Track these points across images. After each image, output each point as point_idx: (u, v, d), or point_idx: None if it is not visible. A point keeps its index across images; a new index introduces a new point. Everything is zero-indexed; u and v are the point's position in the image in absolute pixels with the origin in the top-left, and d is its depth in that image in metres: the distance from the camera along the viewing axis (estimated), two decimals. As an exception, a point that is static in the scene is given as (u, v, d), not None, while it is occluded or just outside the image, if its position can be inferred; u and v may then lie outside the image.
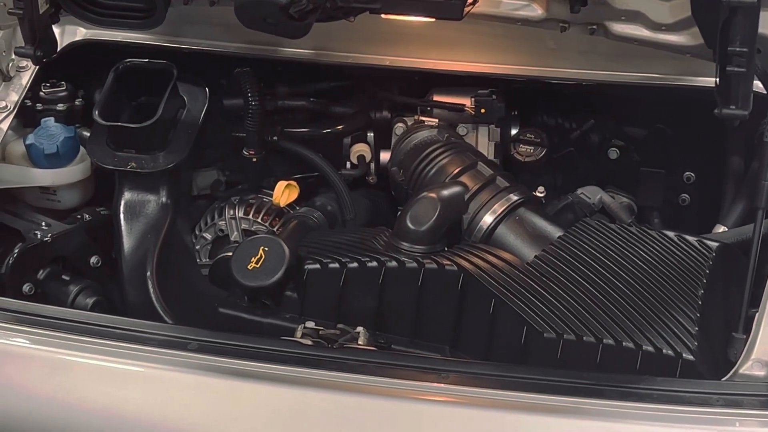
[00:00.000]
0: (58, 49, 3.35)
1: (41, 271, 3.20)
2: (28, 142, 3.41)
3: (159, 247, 3.26)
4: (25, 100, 3.50)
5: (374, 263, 2.94)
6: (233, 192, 3.81)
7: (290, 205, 3.60)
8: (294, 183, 3.56)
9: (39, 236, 3.20)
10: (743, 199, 3.28)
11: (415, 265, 2.93)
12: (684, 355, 2.61)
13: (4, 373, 2.58)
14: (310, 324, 2.81)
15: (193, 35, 3.60)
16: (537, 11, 3.15)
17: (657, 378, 2.49)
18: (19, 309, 2.75)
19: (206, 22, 3.56)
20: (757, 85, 2.76)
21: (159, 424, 2.48)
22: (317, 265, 2.96)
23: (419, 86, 3.70)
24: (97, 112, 3.28)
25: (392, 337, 2.91)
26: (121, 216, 3.32)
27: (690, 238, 3.05)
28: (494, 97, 3.58)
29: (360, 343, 2.76)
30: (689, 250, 3.01)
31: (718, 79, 2.66)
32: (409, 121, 3.67)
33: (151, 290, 3.18)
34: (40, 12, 3.05)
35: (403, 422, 2.43)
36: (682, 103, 3.44)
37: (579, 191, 3.54)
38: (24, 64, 3.52)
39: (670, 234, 3.07)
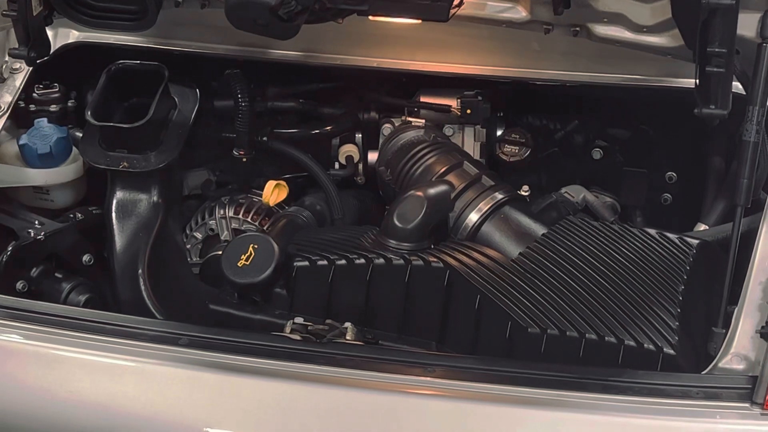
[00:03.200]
0: (52, 51, 3.39)
1: (34, 269, 3.20)
2: (21, 142, 3.43)
3: (150, 245, 3.25)
4: (19, 101, 3.52)
5: (362, 260, 2.98)
6: (223, 192, 3.83)
7: (279, 205, 3.62)
8: (283, 183, 3.58)
9: (32, 234, 3.20)
10: (724, 198, 3.31)
11: (402, 262, 2.96)
12: (665, 349, 2.65)
13: (-1, 368, 2.61)
14: (299, 320, 2.83)
15: (184, 37, 3.63)
16: (521, 13, 3.18)
17: (638, 371, 2.54)
18: (12, 305, 2.77)
19: (197, 24, 3.58)
20: (737, 86, 2.79)
21: (150, 417, 2.50)
22: (306, 262, 3.00)
23: (406, 87, 3.73)
24: (89, 113, 3.28)
25: (380, 332, 2.95)
26: (113, 215, 3.31)
27: (671, 236, 3.09)
28: (480, 98, 3.61)
29: (348, 338, 2.78)
30: (670, 248, 3.05)
31: (698, 80, 2.70)
32: (397, 122, 3.70)
33: (143, 288, 3.18)
34: (34, 14, 3.07)
35: (391, 415, 2.46)
36: (663, 103, 3.48)
37: (563, 190, 3.58)
38: (17, 66, 3.53)
39: (652, 231, 3.11)
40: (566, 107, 3.75)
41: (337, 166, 3.80)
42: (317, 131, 3.78)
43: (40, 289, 3.21)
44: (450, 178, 3.27)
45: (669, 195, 3.74)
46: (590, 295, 2.82)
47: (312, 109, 3.83)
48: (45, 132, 3.46)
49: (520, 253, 3.01)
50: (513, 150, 3.72)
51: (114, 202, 3.34)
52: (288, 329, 2.79)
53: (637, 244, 3.05)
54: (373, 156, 3.74)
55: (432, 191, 3.16)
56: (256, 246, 2.97)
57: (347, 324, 2.83)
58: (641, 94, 3.47)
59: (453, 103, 3.64)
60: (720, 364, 2.50)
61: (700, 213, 3.40)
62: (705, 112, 2.67)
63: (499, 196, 3.20)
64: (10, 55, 3.27)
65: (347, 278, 2.98)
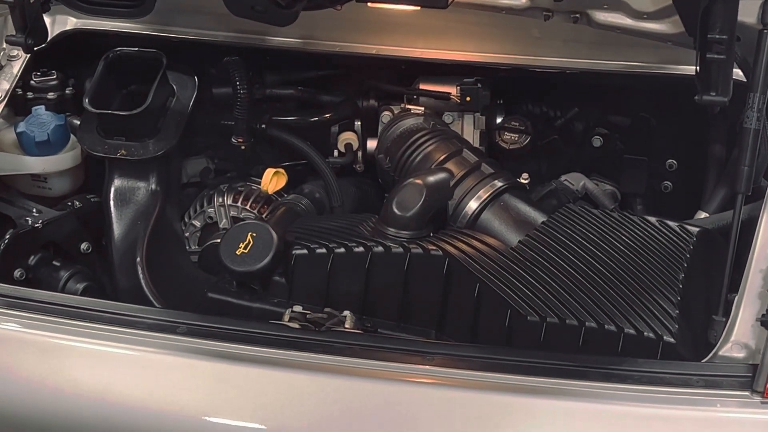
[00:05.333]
0: (49, 38, 3.37)
1: (32, 257, 3.21)
2: (19, 130, 3.43)
3: (149, 233, 3.27)
4: (16, 89, 3.52)
5: (361, 248, 2.97)
6: (222, 180, 3.82)
7: (278, 193, 3.62)
8: (282, 170, 3.58)
9: (30, 222, 3.21)
10: (724, 186, 3.31)
11: (401, 250, 2.95)
12: (665, 337, 2.64)
13: (-4, 357, 2.60)
14: (298, 308, 2.83)
15: (182, 24, 3.62)
16: (521, 0, 3.18)
17: (638, 360, 2.53)
18: (10, 294, 2.77)
19: (195, 11, 3.57)
20: (737, 73, 2.78)
21: (148, 405, 2.50)
22: (305, 251, 2.99)
23: (405, 75, 3.71)
24: (87, 100, 3.29)
25: (379, 320, 2.94)
26: (112, 203, 3.33)
27: (671, 224, 3.09)
28: (479, 85, 3.59)
29: (347, 326, 2.78)
30: (671, 235, 3.04)
31: (698, 67, 2.69)
32: (396, 110, 3.68)
33: (141, 276, 3.20)
34: (31, 0, 3.07)
35: (389, 403, 2.46)
36: (664, 90, 3.47)
37: (563, 178, 3.58)
38: (15, 53, 3.54)
39: (652, 219, 3.11)
40: (566, 94, 3.73)
41: (336, 153, 3.78)
42: (316, 119, 3.77)
43: (37, 278, 3.22)
44: (449, 165, 3.26)
45: (669, 183, 3.73)
46: (590, 283, 2.81)
47: (311, 97, 3.82)
48: (43, 119, 3.46)
49: (519, 241, 3.00)
50: (513, 137, 3.71)
51: (112, 189, 3.36)
52: (286, 317, 2.79)
53: (637, 232, 3.04)
54: (372, 143, 3.74)
55: (431, 179, 3.15)
56: (254, 234, 2.96)
57: (346, 312, 2.83)
58: (642, 81, 3.46)
59: (452, 90, 3.62)
60: (720, 353, 2.50)
61: (701, 201, 3.39)
62: (706, 99, 2.66)
63: (498, 183, 3.19)
64: (7, 42, 3.26)
65: (346, 266, 2.97)
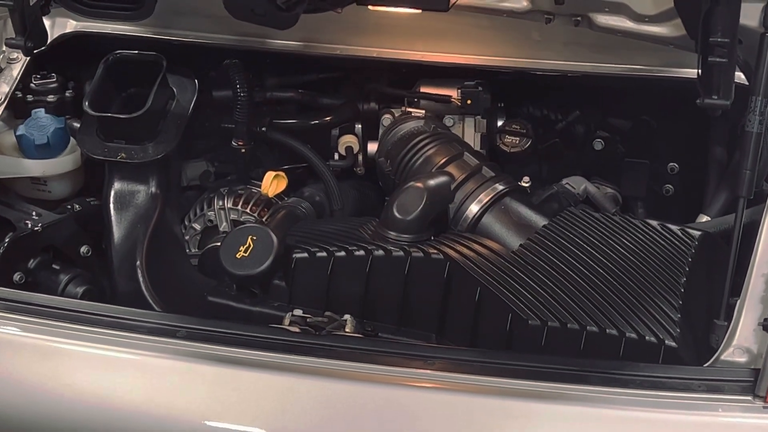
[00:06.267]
0: (49, 41, 3.37)
1: (32, 260, 3.20)
2: (18, 133, 3.43)
3: (148, 236, 3.26)
4: (16, 92, 3.52)
5: (361, 252, 2.97)
6: (222, 183, 3.82)
7: (279, 196, 3.61)
8: (282, 174, 3.57)
9: (30, 226, 3.20)
10: (726, 189, 3.31)
11: (401, 253, 2.95)
12: (666, 341, 2.63)
13: (-5, 361, 2.60)
14: (298, 312, 2.83)
15: (182, 27, 3.61)
16: (522, 3, 3.16)
17: (640, 364, 2.51)
18: (9, 297, 2.75)
19: (195, 14, 3.57)
20: (739, 76, 2.77)
21: (148, 410, 2.49)
22: (305, 254, 2.99)
23: (406, 78, 3.71)
24: (87, 103, 3.29)
25: (379, 324, 2.94)
26: (111, 206, 3.32)
27: (673, 227, 3.08)
28: (480, 88, 3.59)
29: (347, 330, 2.77)
30: (672, 239, 3.03)
31: (700, 70, 2.69)
32: (396, 113, 3.68)
33: (141, 279, 3.19)
34: (31, 3, 3.06)
35: (390, 408, 2.44)
36: (665, 94, 3.46)
37: (564, 181, 3.58)
38: (15, 56, 3.54)
39: (654, 223, 3.10)
40: (567, 97, 3.73)
41: (336, 156, 3.78)
42: (316, 122, 3.77)
43: (37, 281, 3.21)
44: (450, 169, 3.26)
45: (671, 186, 3.73)
46: (591, 287, 2.80)
47: (311, 100, 3.82)
48: (42, 122, 3.46)
49: (520, 245, 3.00)
50: (514, 141, 3.71)
51: (112, 193, 3.35)
52: (287, 321, 2.79)
53: (639, 235, 3.04)
54: (372, 147, 3.73)
55: (432, 182, 3.15)
56: (254, 237, 2.96)
57: (346, 316, 2.83)
58: (643, 85, 3.46)
59: (453, 93, 3.63)
60: (722, 357, 2.49)
61: (702, 204, 3.39)
62: (707, 102, 2.66)
63: (499, 187, 3.18)
64: (7, 44, 3.26)
65: (346, 270, 2.97)
